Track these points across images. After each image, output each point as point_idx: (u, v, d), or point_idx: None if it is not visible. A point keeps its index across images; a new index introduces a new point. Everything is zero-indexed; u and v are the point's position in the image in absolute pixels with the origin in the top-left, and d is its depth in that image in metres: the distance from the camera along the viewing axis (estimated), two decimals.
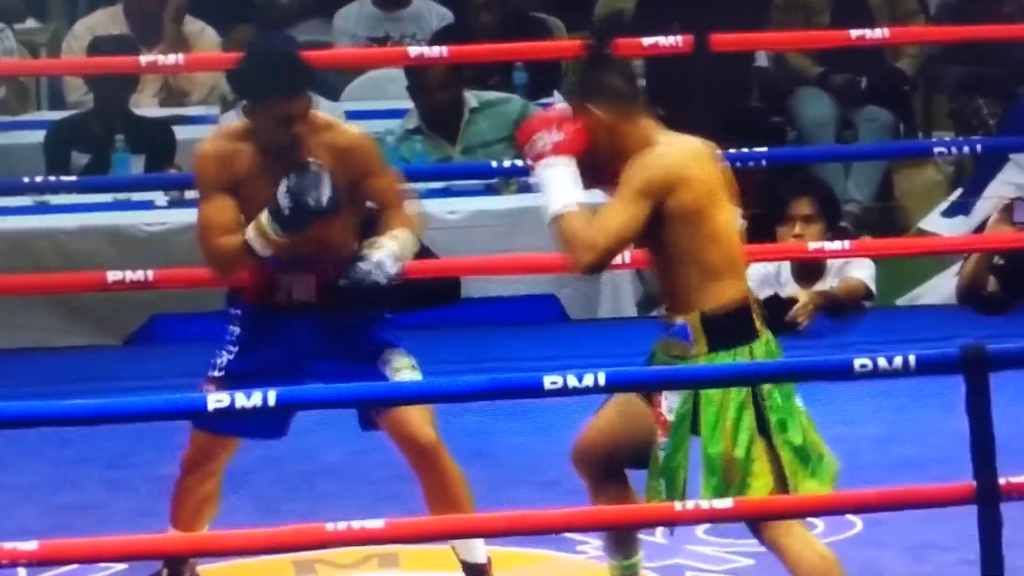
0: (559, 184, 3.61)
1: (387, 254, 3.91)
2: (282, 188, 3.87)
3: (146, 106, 6.78)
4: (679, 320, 3.67)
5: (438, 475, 4.00)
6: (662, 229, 3.63)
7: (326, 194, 3.87)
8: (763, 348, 3.70)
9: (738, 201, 3.75)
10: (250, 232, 3.90)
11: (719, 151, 3.76)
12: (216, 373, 4.00)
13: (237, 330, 4.02)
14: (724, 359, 3.66)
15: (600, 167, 3.67)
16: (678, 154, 3.64)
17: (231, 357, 4.01)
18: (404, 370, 3.99)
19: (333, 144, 3.96)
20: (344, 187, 3.92)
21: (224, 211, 3.93)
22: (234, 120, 4.14)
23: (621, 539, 3.88)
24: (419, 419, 3.98)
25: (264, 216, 3.89)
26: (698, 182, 3.63)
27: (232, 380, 3.93)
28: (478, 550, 4.11)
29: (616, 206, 3.61)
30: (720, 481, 3.66)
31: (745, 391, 3.65)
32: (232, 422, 3.91)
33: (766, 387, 3.66)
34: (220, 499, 4.11)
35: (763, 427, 3.66)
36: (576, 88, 3.73)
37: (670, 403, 3.69)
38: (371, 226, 4.05)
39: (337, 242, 3.99)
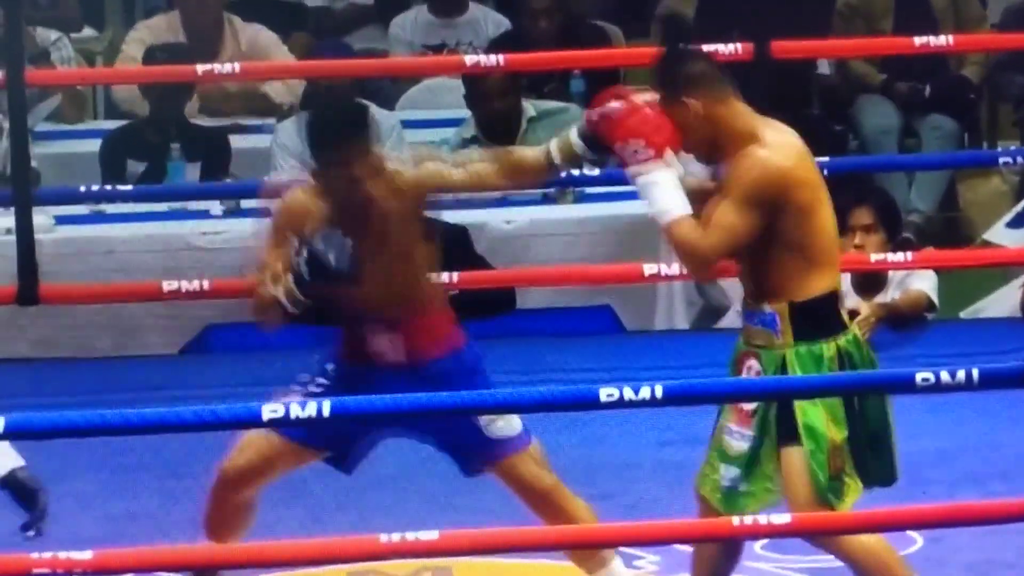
0: (664, 192, 3.66)
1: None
2: (300, 251, 3.88)
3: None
4: (768, 308, 3.68)
5: (564, 518, 3.97)
6: (769, 222, 3.66)
7: (345, 261, 3.85)
8: (850, 342, 3.69)
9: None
10: (276, 289, 3.90)
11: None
12: (310, 388, 3.99)
13: (326, 381, 4.01)
14: (807, 350, 3.64)
15: (701, 154, 3.72)
16: (786, 155, 3.68)
17: (320, 393, 3.97)
18: (498, 420, 3.95)
19: (396, 188, 3.94)
20: (391, 229, 3.91)
21: (280, 260, 3.92)
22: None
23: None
24: (533, 469, 3.97)
25: (287, 277, 3.89)
26: (806, 180, 3.68)
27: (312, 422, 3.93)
28: (621, 573, 4.05)
29: (728, 214, 3.65)
30: (826, 474, 3.65)
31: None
32: (306, 429, 3.91)
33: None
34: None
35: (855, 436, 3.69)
36: (665, 86, 3.71)
37: None
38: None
39: (407, 297, 3.97)
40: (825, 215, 3.69)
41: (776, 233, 3.66)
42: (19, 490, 3.92)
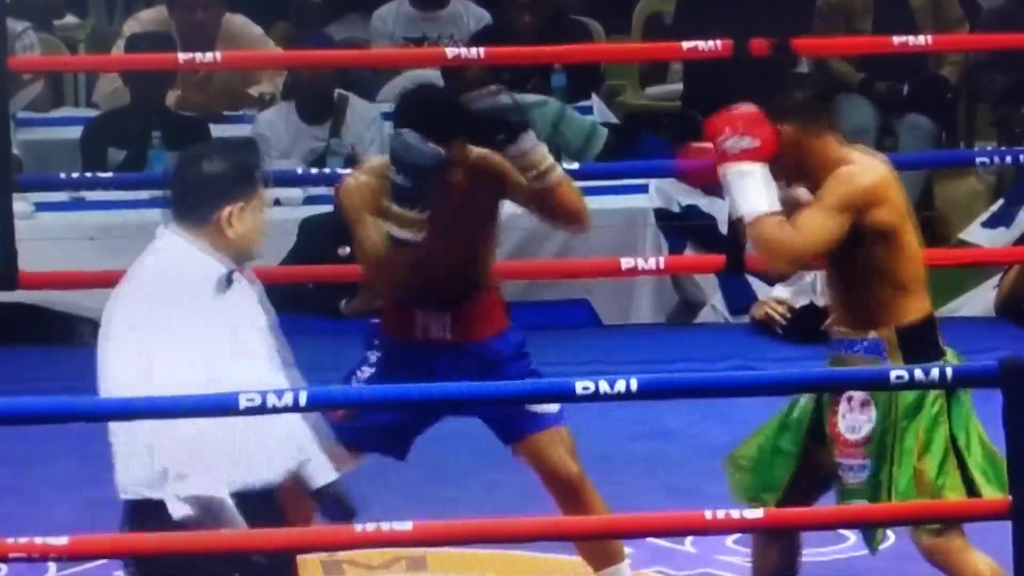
0: (753, 189, 3.72)
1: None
2: (389, 167, 3.89)
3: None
4: (871, 335, 3.74)
5: (584, 510, 4.00)
6: (857, 247, 3.75)
7: (428, 150, 3.85)
8: (954, 361, 3.76)
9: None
10: (389, 228, 3.92)
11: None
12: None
13: (375, 356, 4.04)
14: None
15: (785, 180, 3.80)
16: (875, 174, 3.78)
17: (366, 380, 4.02)
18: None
19: (481, 171, 3.98)
20: (472, 205, 3.93)
21: (375, 227, 3.97)
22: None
23: None
24: (561, 453, 4.00)
25: (391, 206, 3.91)
26: (893, 201, 3.76)
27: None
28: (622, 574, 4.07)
29: (816, 216, 3.73)
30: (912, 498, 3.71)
31: (939, 406, 3.72)
32: (360, 435, 3.96)
33: (961, 397, 3.73)
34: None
35: (955, 440, 3.74)
36: (765, 107, 3.80)
37: (852, 422, 3.74)
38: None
39: (470, 277, 4.01)
40: (911, 243, 3.78)
41: (863, 261, 3.75)
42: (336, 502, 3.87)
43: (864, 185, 3.75)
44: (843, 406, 3.77)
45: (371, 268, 4.00)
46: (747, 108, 3.78)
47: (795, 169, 3.80)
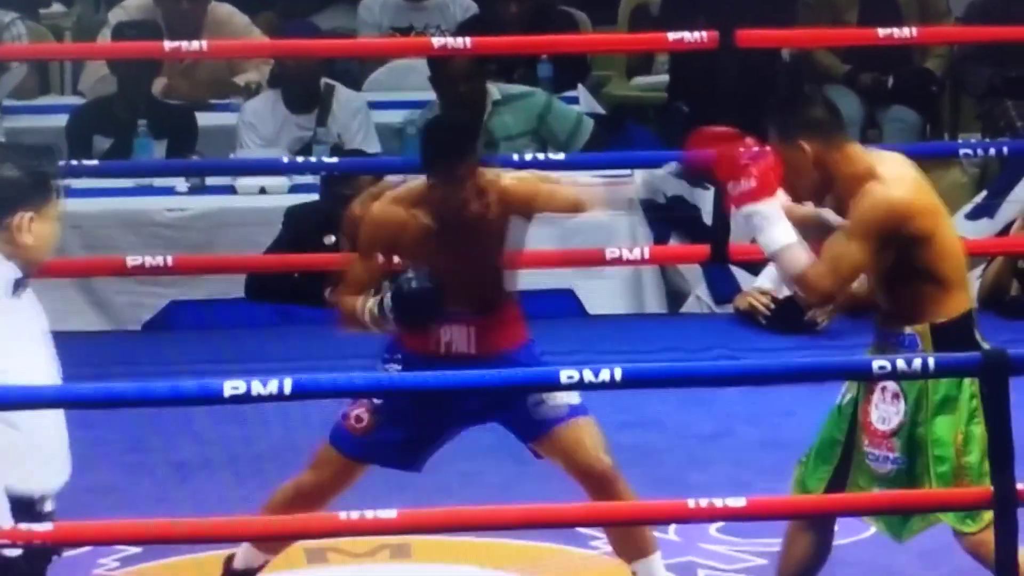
0: (770, 224, 3.71)
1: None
2: (388, 286, 3.93)
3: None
4: (907, 330, 3.74)
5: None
6: (894, 251, 3.73)
7: (423, 295, 3.90)
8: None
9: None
10: (368, 306, 3.94)
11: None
12: (375, 401, 4.00)
13: (396, 370, 4.03)
14: None
15: (809, 197, 3.79)
16: (905, 188, 3.74)
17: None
18: (558, 394, 3.98)
19: (499, 195, 3.98)
20: (494, 230, 3.95)
21: (366, 273, 3.98)
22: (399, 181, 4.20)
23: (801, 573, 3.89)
24: (593, 447, 3.98)
25: (375, 306, 3.94)
26: (925, 209, 3.73)
27: (385, 415, 3.97)
28: (657, 569, 4.05)
29: (848, 244, 3.71)
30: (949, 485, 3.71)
31: (976, 402, 3.71)
32: (375, 450, 3.97)
33: None
34: None
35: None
36: (780, 129, 3.78)
37: (883, 413, 3.74)
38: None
39: (491, 293, 4.01)
40: (948, 238, 3.75)
41: (905, 262, 3.73)
42: None
43: (894, 204, 3.70)
44: (876, 395, 3.77)
45: (338, 304, 4.03)
46: (748, 145, 3.77)
47: (820, 186, 3.78)
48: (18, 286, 3.39)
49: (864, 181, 3.74)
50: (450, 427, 4.05)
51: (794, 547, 3.90)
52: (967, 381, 3.73)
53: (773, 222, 3.72)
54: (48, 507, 3.41)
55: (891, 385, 3.74)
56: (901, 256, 3.73)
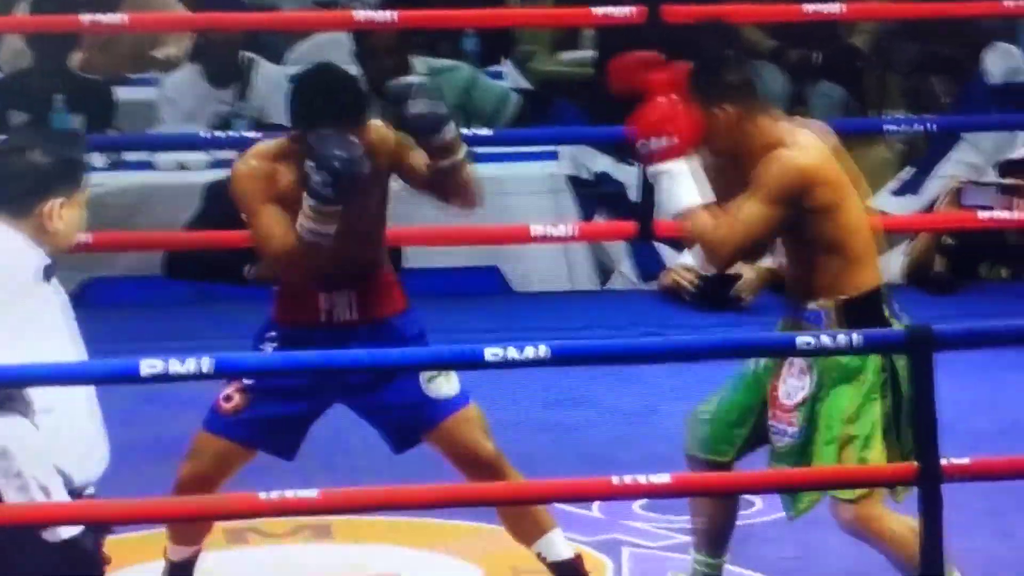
0: (679, 186, 3.75)
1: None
2: (308, 163, 3.80)
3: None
4: (815, 305, 3.75)
5: None
6: (801, 224, 3.75)
7: (352, 151, 3.78)
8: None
9: (863, 187, 3.88)
10: (301, 222, 3.83)
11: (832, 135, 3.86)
12: (245, 381, 3.91)
13: (271, 348, 3.94)
14: None
15: (724, 158, 3.81)
16: (809, 156, 3.76)
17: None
18: (438, 377, 3.92)
19: (383, 150, 3.90)
20: (376, 184, 3.87)
21: (277, 220, 3.87)
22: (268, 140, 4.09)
23: (714, 537, 3.92)
24: (476, 435, 3.93)
25: (305, 201, 3.82)
26: (830, 179, 3.75)
27: (261, 393, 3.89)
28: (558, 545, 4.01)
29: (751, 207, 3.73)
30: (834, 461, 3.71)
31: (881, 379, 3.72)
32: (250, 428, 3.89)
33: (900, 370, 3.72)
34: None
35: (897, 413, 3.74)
36: (700, 91, 3.80)
37: (789, 388, 3.75)
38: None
39: (371, 255, 3.94)
40: (855, 212, 3.76)
41: (810, 234, 3.75)
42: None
43: (797, 172, 3.74)
44: (785, 370, 3.79)
45: (277, 262, 3.90)
46: (664, 100, 3.77)
47: (733, 150, 3.80)
48: (48, 272, 3.37)
49: (774, 148, 3.76)
50: (328, 401, 3.96)
51: (704, 515, 3.91)
52: (876, 360, 3.73)
53: (680, 182, 3.74)
54: (90, 491, 3.41)
55: (800, 360, 3.74)
56: (806, 226, 3.74)
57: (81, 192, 3.41)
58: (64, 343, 3.40)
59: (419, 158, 3.93)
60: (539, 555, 4.00)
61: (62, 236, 3.38)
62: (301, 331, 3.92)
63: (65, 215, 3.36)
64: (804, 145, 3.79)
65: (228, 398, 3.94)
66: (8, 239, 3.36)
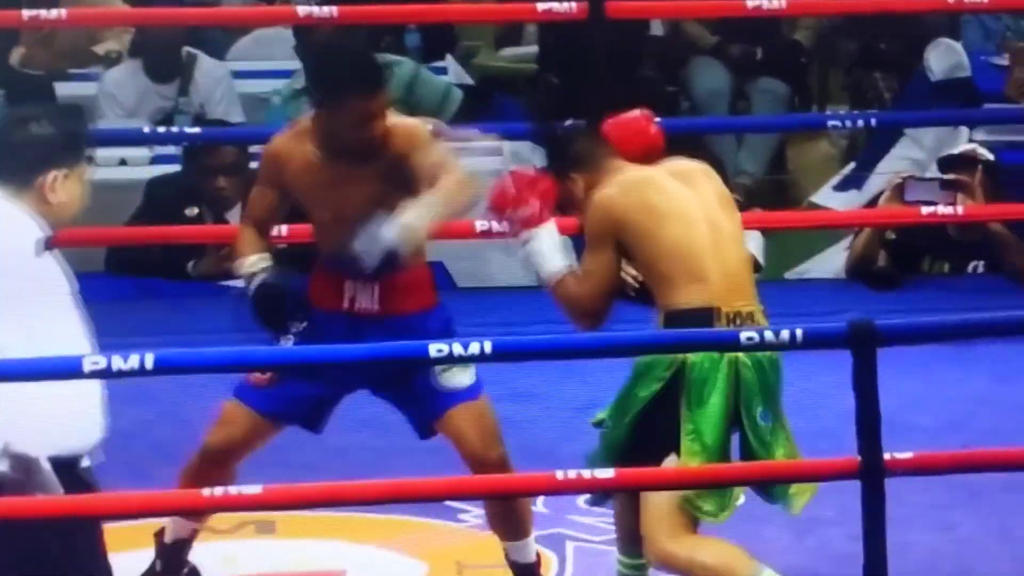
0: (545, 253, 3.89)
1: (384, 227, 3.85)
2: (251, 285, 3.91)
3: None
4: (656, 316, 3.92)
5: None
6: (626, 252, 3.91)
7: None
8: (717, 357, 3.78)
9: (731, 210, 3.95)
10: (250, 260, 3.94)
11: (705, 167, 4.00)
12: None
13: (302, 327, 3.98)
14: (704, 356, 3.81)
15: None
16: (621, 188, 3.89)
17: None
18: (451, 368, 3.95)
19: (384, 132, 3.94)
20: (398, 174, 3.91)
21: (262, 203, 3.99)
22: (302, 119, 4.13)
23: (635, 537, 3.93)
24: (485, 438, 3.96)
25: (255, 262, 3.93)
26: (643, 207, 3.86)
27: (286, 373, 3.93)
28: (529, 550, 4.06)
29: (586, 257, 3.89)
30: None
31: (724, 375, 3.78)
32: (278, 402, 3.93)
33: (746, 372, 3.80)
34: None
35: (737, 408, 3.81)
36: (554, 162, 3.97)
37: None
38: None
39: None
40: (667, 237, 3.86)
41: (632, 258, 3.90)
42: None
43: (603, 211, 3.86)
44: None
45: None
46: (520, 174, 3.93)
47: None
48: (48, 245, 3.35)
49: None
50: (353, 386, 4.01)
51: (625, 517, 3.95)
52: (724, 370, 3.79)
53: (551, 249, 3.89)
54: (85, 463, 3.37)
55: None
56: (628, 253, 3.89)
57: (83, 166, 3.39)
58: (63, 320, 3.36)
59: (424, 158, 3.93)
60: (507, 553, 4.04)
61: (62, 209, 3.36)
62: (325, 314, 3.94)
63: (67, 188, 3.34)
64: (619, 180, 3.91)
65: (261, 371, 3.95)
66: (6, 210, 3.33)
